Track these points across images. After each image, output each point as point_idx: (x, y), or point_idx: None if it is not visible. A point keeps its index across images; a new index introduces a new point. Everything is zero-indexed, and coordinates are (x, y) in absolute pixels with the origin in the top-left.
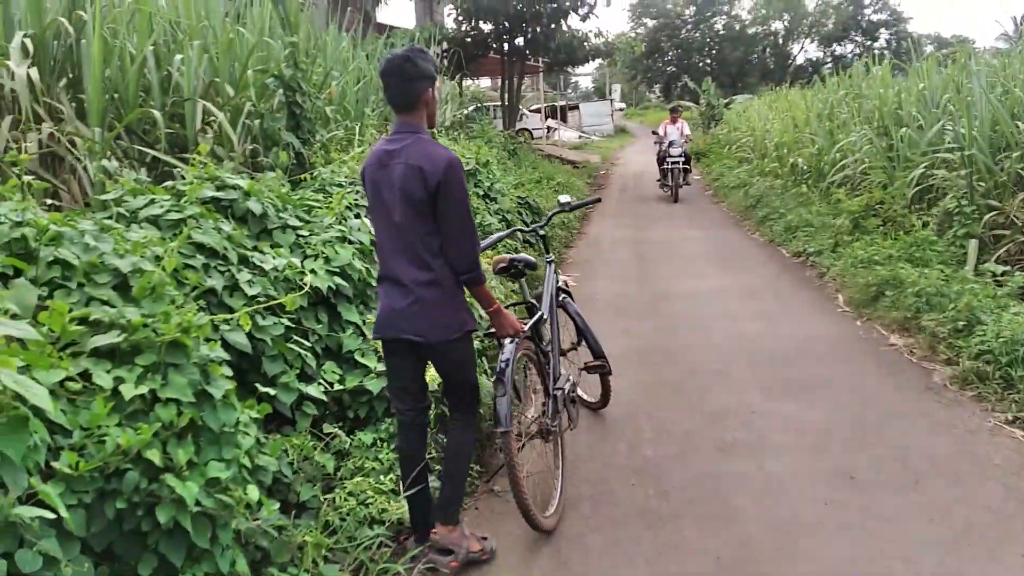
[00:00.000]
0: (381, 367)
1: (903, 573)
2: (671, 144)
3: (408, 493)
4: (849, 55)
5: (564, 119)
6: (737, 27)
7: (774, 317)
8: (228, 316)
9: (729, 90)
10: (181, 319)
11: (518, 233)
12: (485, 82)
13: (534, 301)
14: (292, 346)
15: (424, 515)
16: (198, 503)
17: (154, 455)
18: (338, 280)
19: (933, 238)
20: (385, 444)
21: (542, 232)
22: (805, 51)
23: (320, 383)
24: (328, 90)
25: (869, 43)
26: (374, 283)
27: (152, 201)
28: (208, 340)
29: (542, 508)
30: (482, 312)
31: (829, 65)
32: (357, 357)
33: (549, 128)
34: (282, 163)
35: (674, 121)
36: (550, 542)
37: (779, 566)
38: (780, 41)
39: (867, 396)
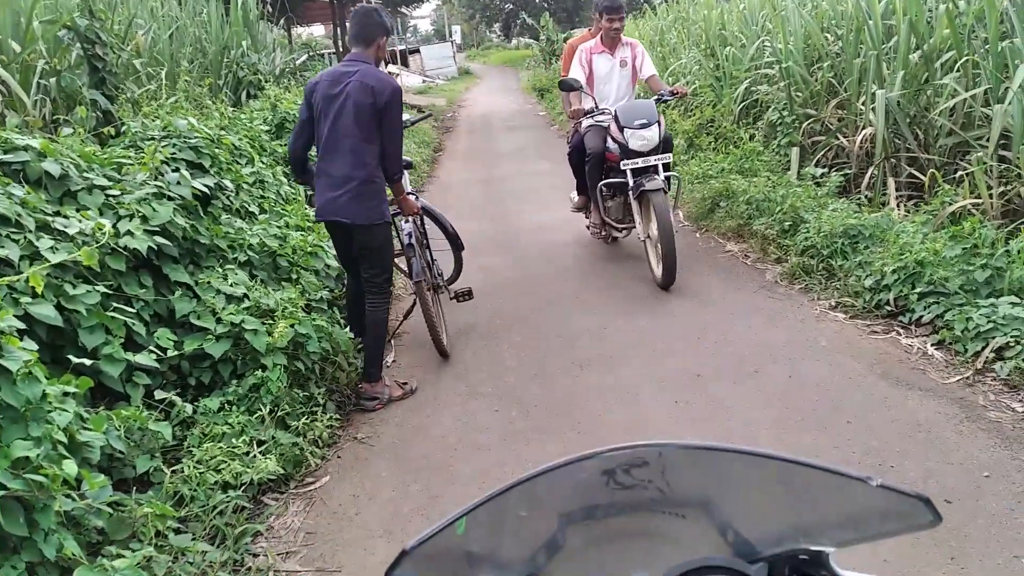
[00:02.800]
0: (221, 329)
1: None
2: (621, 115)
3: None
4: None
5: (405, 64)
6: None
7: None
8: (15, 278)
9: (567, 25)
10: None
11: None
12: (318, 30)
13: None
14: (113, 314)
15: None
16: (2, 487)
17: None
18: (160, 239)
19: (760, 149)
20: (235, 407)
21: None
22: None
23: (152, 351)
24: (134, 41)
25: None
26: (203, 241)
27: None
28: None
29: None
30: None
31: None
32: (193, 320)
33: (390, 74)
34: (84, 119)
35: (611, 44)
36: (420, 477)
37: None
38: None
39: (708, 300)
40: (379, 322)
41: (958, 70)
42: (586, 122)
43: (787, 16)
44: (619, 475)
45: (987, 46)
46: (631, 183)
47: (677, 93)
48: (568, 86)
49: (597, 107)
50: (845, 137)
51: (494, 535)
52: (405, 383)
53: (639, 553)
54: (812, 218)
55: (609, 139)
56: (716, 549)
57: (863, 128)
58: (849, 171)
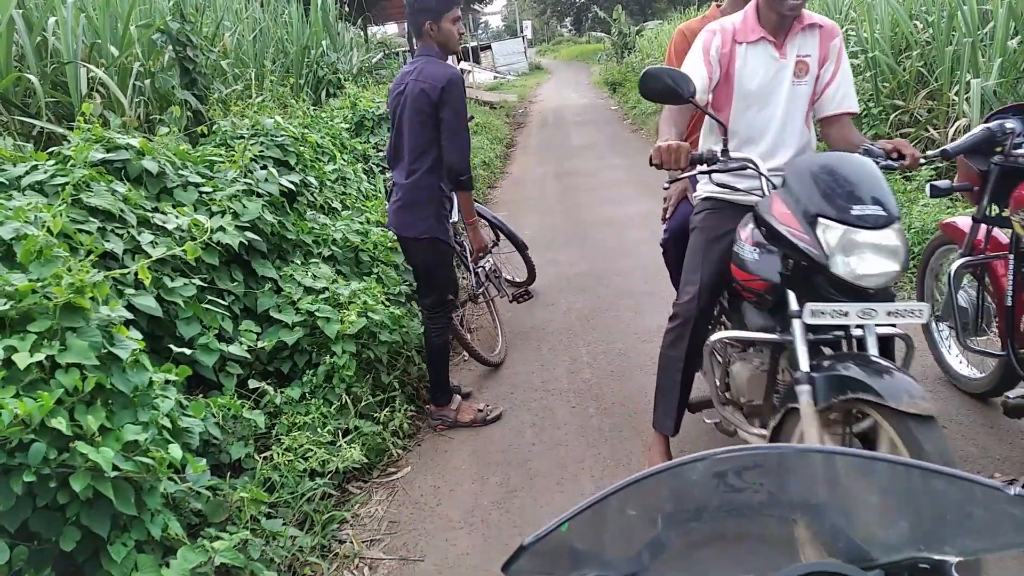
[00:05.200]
0: (298, 318)
1: None
2: (799, 182)
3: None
4: None
5: (477, 60)
6: None
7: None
8: (124, 271)
9: (639, 18)
10: (73, 279)
11: None
12: (392, 28)
13: None
14: (207, 307)
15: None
16: (116, 468)
17: (60, 423)
18: (250, 235)
19: None
20: (313, 397)
21: None
22: None
23: (241, 342)
24: (221, 43)
25: None
26: (289, 236)
27: (35, 167)
28: (109, 301)
29: (489, 352)
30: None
31: None
32: (273, 313)
33: (462, 71)
34: (177, 119)
35: (779, 27)
36: (498, 471)
37: None
38: None
39: None
40: (436, 349)
41: None
42: (703, 186)
43: (873, 3)
44: (730, 477)
45: None
46: (801, 364)
47: (904, 157)
48: (659, 83)
49: (726, 151)
50: (936, 129)
51: (599, 533)
52: (481, 409)
53: (746, 557)
54: (902, 214)
55: (745, 236)
56: (826, 555)
57: (956, 119)
58: (940, 164)
